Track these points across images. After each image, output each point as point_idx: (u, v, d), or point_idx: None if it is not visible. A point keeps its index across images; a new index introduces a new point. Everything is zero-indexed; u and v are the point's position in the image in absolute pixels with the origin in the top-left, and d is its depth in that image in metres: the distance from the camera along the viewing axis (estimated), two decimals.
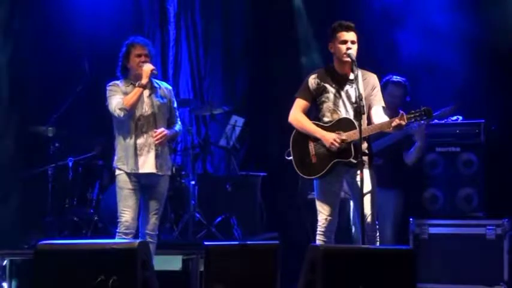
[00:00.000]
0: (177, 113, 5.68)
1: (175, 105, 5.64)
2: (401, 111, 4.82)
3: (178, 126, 5.63)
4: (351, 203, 5.54)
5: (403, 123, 4.76)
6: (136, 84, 5.34)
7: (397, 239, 6.17)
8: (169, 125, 5.56)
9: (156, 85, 5.52)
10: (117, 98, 5.34)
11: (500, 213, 6.30)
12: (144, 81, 5.31)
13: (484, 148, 6.45)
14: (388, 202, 6.05)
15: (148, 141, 5.38)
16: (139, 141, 5.38)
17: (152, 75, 5.35)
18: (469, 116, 6.59)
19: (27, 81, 7.73)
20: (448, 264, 6.24)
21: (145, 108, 5.41)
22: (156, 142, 5.35)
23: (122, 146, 5.42)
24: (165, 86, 5.61)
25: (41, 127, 7.03)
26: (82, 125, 7.70)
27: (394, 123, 4.77)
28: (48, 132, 7.01)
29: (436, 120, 6.45)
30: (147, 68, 5.32)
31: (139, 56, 5.40)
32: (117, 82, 5.46)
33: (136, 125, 5.39)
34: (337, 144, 4.86)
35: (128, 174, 5.37)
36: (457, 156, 6.46)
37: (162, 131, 5.38)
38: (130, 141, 5.37)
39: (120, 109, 5.30)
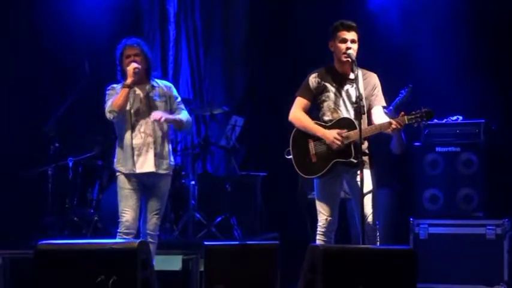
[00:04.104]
0: (182, 106, 5.59)
1: (178, 99, 5.57)
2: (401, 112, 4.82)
3: (184, 116, 5.51)
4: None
5: (403, 124, 4.76)
6: (121, 86, 5.34)
7: (390, 240, 6.14)
8: None
9: (155, 84, 5.51)
10: (110, 102, 5.35)
11: (500, 213, 6.31)
12: (128, 81, 5.29)
13: (484, 148, 6.45)
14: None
15: (146, 140, 5.37)
16: (138, 141, 5.36)
17: (136, 75, 5.31)
18: (469, 116, 6.60)
19: (27, 81, 7.74)
20: (448, 264, 6.24)
21: (142, 108, 5.40)
22: (156, 119, 5.30)
23: (121, 147, 5.42)
24: (164, 84, 5.58)
25: (41, 127, 7.03)
26: (82, 125, 7.71)
27: (394, 125, 4.77)
28: (48, 132, 7.01)
29: (435, 120, 6.46)
30: (130, 67, 5.31)
31: (128, 57, 5.39)
32: (115, 85, 5.45)
33: (134, 125, 5.37)
34: (338, 142, 4.85)
35: (127, 175, 5.37)
36: (457, 156, 6.47)
37: (157, 111, 5.34)
38: (127, 142, 5.36)
39: (109, 112, 5.30)
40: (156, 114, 5.33)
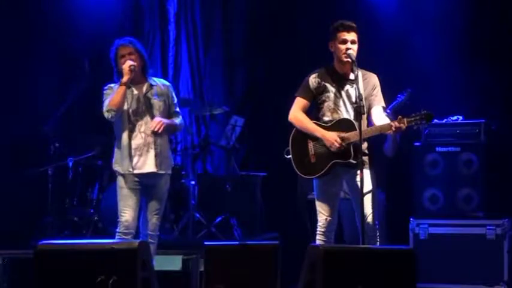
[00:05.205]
0: (178, 109, 5.60)
1: (175, 101, 5.57)
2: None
3: (178, 120, 5.55)
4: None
5: (404, 126, 4.76)
6: (118, 85, 5.34)
7: (384, 240, 6.10)
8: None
9: (153, 83, 5.50)
10: (107, 101, 5.34)
11: (500, 213, 6.31)
12: (125, 78, 5.28)
13: (484, 148, 6.45)
14: None
15: (147, 140, 5.35)
16: (138, 141, 5.34)
17: (132, 72, 5.29)
18: (469, 116, 6.60)
19: (27, 81, 7.74)
20: (448, 264, 6.24)
21: (141, 108, 5.39)
22: (155, 130, 5.31)
23: (118, 147, 5.41)
24: (162, 83, 5.56)
25: (41, 127, 7.03)
26: (82, 125, 7.70)
27: (394, 127, 4.77)
28: (48, 132, 7.01)
29: (435, 120, 6.46)
30: (126, 65, 5.30)
31: (122, 56, 5.37)
32: (112, 85, 5.43)
33: (133, 125, 5.37)
34: (337, 145, 4.86)
35: (125, 175, 5.36)
36: (457, 156, 6.47)
37: (157, 119, 5.35)
38: (125, 142, 5.35)
39: (107, 111, 5.29)
40: (155, 125, 5.33)
